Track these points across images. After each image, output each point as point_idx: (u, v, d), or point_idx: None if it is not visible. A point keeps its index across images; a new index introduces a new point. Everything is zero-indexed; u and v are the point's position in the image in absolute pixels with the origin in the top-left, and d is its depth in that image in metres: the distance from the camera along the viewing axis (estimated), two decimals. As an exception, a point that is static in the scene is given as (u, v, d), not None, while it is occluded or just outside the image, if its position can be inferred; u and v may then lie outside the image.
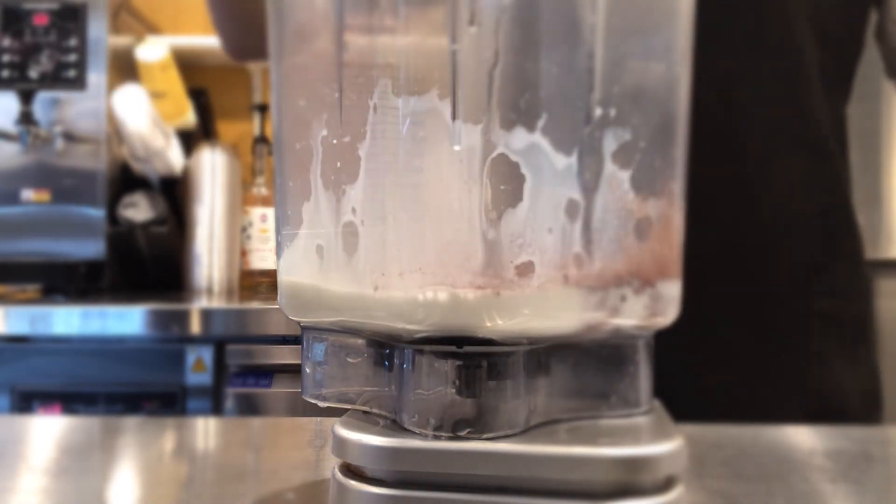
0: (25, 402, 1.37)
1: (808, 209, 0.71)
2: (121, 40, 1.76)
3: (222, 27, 0.82)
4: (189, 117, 1.88)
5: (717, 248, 0.66)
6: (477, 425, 0.33)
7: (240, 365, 1.36)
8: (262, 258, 1.74)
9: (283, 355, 1.36)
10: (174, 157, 1.74)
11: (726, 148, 0.67)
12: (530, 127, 0.32)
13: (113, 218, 1.65)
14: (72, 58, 1.63)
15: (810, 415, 0.65)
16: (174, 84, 1.82)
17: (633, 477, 0.32)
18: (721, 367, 0.68)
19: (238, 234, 1.76)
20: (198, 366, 1.37)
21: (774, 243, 0.70)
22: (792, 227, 0.70)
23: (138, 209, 1.67)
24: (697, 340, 0.60)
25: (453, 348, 0.33)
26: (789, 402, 0.69)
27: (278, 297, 0.40)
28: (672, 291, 0.37)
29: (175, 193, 1.76)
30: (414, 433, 0.34)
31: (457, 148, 0.32)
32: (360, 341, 0.37)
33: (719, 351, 0.68)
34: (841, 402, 0.69)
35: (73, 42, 1.63)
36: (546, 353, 0.35)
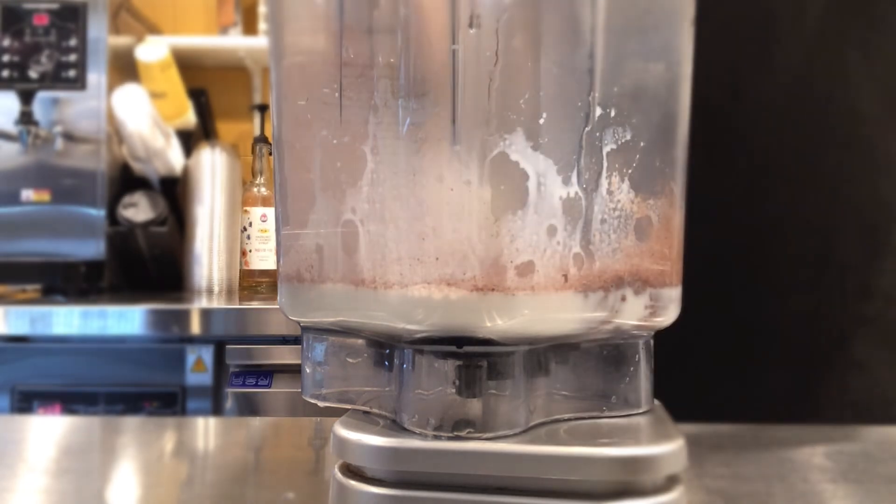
0: (25, 402, 1.37)
1: (839, 207, 0.66)
2: (121, 40, 1.76)
3: None
4: (189, 117, 1.88)
5: (734, 249, 0.63)
6: (477, 425, 0.33)
7: (240, 365, 1.36)
8: (262, 258, 1.74)
9: (283, 355, 1.36)
10: (174, 157, 1.74)
11: (741, 144, 0.63)
12: (530, 127, 0.32)
13: (113, 218, 1.65)
14: (72, 58, 1.63)
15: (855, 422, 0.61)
16: (174, 84, 1.82)
17: (633, 477, 0.32)
18: (761, 375, 0.65)
19: (238, 234, 1.76)
20: (198, 366, 1.37)
21: (796, 242, 0.66)
22: (824, 224, 0.65)
23: (138, 209, 1.67)
24: (726, 347, 0.58)
25: (453, 348, 0.33)
26: (832, 413, 0.65)
27: (278, 297, 0.40)
28: (672, 291, 0.37)
29: (175, 193, 1.76)
30: (414, 433, 0.34)
31: (457, 148, 0.32)
32: (360, 341, 0.37)
33: (760, 358, 0.65)
34: (885, 413, 0.65)
35: (73, 42, 1.63)
36: (546, 353, 0.35)
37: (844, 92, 0.66)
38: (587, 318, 0.34)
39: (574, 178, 0.33)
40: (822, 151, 0.66)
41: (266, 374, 1.36)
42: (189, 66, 1.89)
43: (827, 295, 0.66)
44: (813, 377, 0.66)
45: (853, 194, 0.66)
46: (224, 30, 1.99)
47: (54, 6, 1.63)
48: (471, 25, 0.32)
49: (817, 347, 0.66)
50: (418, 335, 0.33)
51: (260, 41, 1.95)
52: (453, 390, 0.33)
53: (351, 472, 0.35)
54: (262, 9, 2.01)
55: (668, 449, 0.33)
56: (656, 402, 0.39)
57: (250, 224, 1.77)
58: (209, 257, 1.71)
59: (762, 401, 0.66)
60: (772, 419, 0.59)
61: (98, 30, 1.64)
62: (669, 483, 0.33)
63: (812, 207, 0.66)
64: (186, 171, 1.75)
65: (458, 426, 0.33)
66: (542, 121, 0.33)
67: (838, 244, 0.66)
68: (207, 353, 1.37)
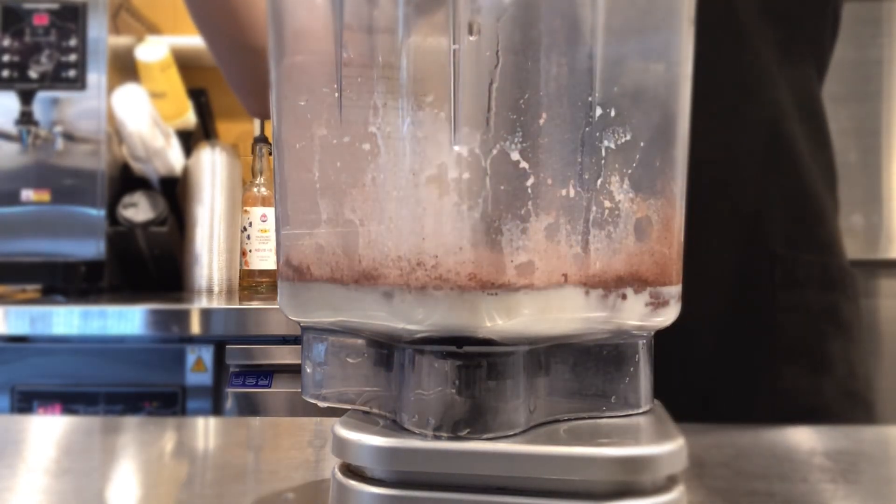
0: (25, 402, 1.37)
1: (766, 196, 0.66)
2: (121, 40, 1.76)
3: (242, 96, 0.81)
4: (189, 117, 1.88)
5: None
6: (477, 425, 0.33)
7: (240, 365, 1.36)
8: (262, 258, 1.74)
9: (283, 355, 1.36)
10: (174, 157, 1.74)
11: None
12: (530, 127, 0.32)
13: (113, 218, 1.65)
14: (72, 58, 1.63)
15: (783, 418, 0.60)
16: (174, 84, 1.82)
17: (633, 477, 0.32)
18: (688, 367, 0.63)
19: (238, 234, 1.76)
20: (198, 366, 1.37)
21: (729, 232, 0.65)
22: (749, 214, 0.65)
23: (138, 209, 1.67)
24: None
25: (453, 348, 0.33)
26: (759, 404, 0.64)
27: (278, 297, 0.40)
28: (672, 290, 0.37)
29: (175, 193, 1.76)
30: (414, 433, 0.34)
31: (456, 148, 0.32)
32: (360, 341, 0.37)
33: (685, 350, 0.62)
34: (814, 403, 0.64)
35: (73, 42, 1.63)
36: (546, 353, 0.35)
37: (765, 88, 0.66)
38: (587, 317, 0.34)
39: (574, 178, 0.33)
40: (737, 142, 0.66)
41: (266, 374, 1.36)
42: (189, 66, 1.89)
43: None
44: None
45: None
46: (224, 30, 1.98)
47: (54, 6, 1.63)
48: (471, 33, 0.32)
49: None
50: (418, 335, 0.33)
51: (260, 41, 1.95)
52: (453, 390, 0.33)
53: (351, 472, 0.35)
54: (262, 9, 2.01)
55: (668, 449, 0.33)
56: (656, 401, 0.39)
57: (250, 224, 1.77)
58: (209, 257, 1.71)
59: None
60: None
61: (98, 30, 1.64)
62: (669, 483, 0.33)
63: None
64: (186, 171, 1.75)
65: (458, 426, 0.33)
66: (542, 121, 0.33)
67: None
68: (207, 353, 1.37)
